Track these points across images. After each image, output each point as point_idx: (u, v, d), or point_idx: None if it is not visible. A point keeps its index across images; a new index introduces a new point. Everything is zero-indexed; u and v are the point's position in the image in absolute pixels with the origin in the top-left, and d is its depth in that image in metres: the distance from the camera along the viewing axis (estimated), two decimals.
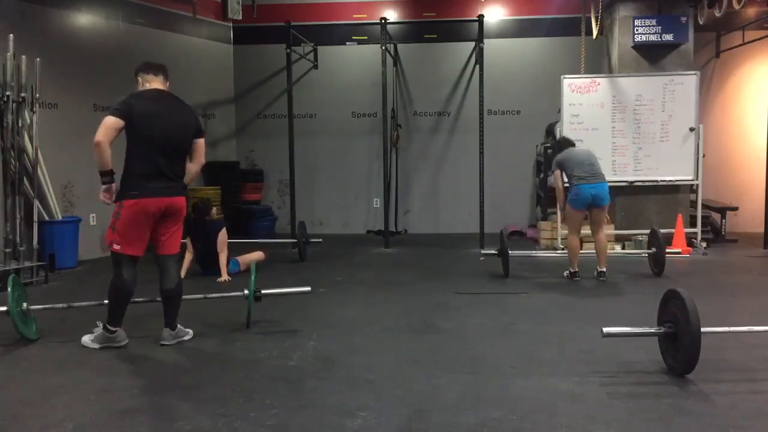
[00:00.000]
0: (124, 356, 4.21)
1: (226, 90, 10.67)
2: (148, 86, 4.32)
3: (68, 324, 4.87)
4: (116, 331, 4.30)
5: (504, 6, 10.30)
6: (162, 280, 4.38)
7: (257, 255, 7.14)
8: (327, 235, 9.50)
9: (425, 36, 10.49)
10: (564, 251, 8.13)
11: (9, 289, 4.43)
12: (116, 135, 4.08)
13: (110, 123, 4.04)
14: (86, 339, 4.35)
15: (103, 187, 4.17)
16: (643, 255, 7.27)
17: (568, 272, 6.64)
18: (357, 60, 10.46)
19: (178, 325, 4.48)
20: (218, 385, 3.63)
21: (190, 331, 4.56)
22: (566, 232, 8.30)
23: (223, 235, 6.74)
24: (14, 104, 6.52)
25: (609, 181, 6.69)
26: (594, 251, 6.66)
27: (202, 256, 6.86)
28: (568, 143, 6.89)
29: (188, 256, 6.85)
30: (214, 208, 7.07)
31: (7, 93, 6.45)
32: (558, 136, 8.42)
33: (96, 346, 4.29)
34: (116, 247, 4.18)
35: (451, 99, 10.53)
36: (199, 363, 4.08)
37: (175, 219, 4.34)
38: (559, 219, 8.40)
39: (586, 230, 6.74)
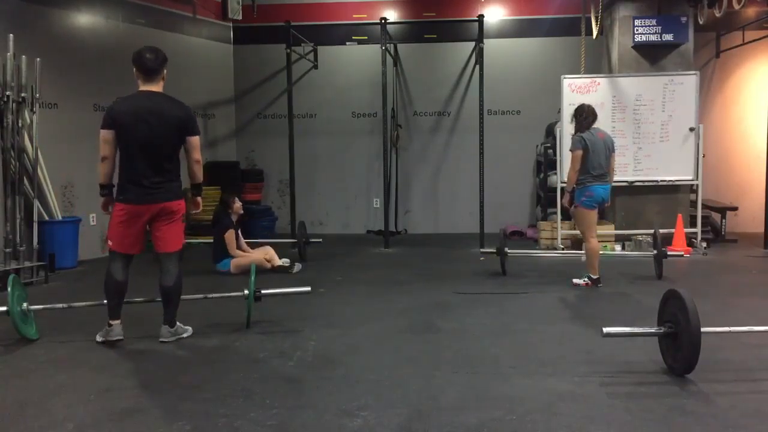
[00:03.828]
0: (124, 356, 4.22)
1: (226, 90, 10.66)
2: (139, 84, 4.39)
3: (68, 324, 4.88)
4: (112, 325, 4.40)
5: (504, 6, 10.29)
6: (161, 276, 4.45)
7: (251, 258, 6.93)
8: (327, 235, 9.50)
9: (425, 36, 10.47)
10: (564, 252, 8.15)
11: (9, 289, 4.44)
12: (114, 145, 4.29)
13: (102, 137, 4.29)
14: (98, 335, 4.47)
15: (101, 199, 4.46)
16: (644, 256, 7.27)
17: (585, 280, 6.17)
18: (357, 60, 10.45)
19: (177, 323, 4.52)
20: (218, 385, 3.63)
21: (189, 329, 4.62)
22: (566, 231, 8.38)
23: (227, 235, 6.93)
24: (14, 104, 6.52)
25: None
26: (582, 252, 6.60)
27: (212, 248, 7.14)
28: (593, 116, 6.08)
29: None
30: (237, 203, 7.21)
31: (7, 93, 6.45)
32: (558, 136, 8.42)
33: (100, 339, 4.41)
34: (110, 243, 4.43)
35: (451, 99, 10.52)
36: (199, 362, 4.08)
37: (168, 219, 4.40)
38: (559, 218, 8.39)
39: (575, 231, 6.68)
